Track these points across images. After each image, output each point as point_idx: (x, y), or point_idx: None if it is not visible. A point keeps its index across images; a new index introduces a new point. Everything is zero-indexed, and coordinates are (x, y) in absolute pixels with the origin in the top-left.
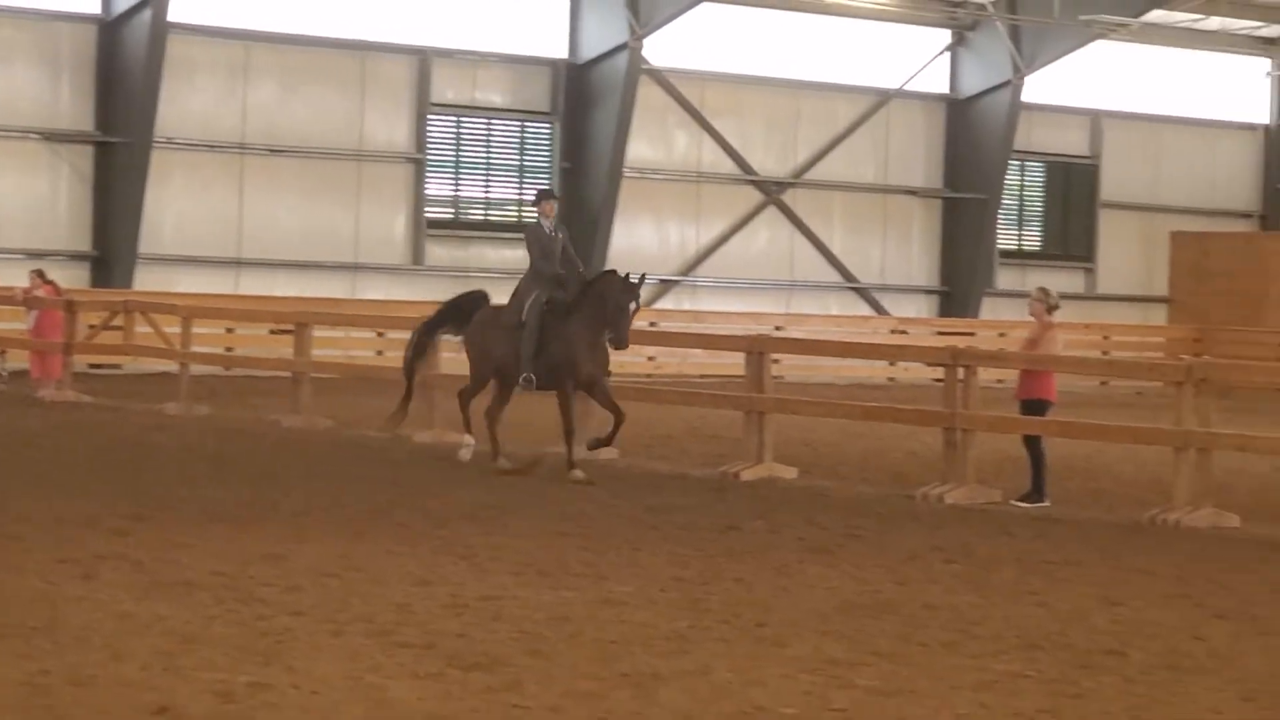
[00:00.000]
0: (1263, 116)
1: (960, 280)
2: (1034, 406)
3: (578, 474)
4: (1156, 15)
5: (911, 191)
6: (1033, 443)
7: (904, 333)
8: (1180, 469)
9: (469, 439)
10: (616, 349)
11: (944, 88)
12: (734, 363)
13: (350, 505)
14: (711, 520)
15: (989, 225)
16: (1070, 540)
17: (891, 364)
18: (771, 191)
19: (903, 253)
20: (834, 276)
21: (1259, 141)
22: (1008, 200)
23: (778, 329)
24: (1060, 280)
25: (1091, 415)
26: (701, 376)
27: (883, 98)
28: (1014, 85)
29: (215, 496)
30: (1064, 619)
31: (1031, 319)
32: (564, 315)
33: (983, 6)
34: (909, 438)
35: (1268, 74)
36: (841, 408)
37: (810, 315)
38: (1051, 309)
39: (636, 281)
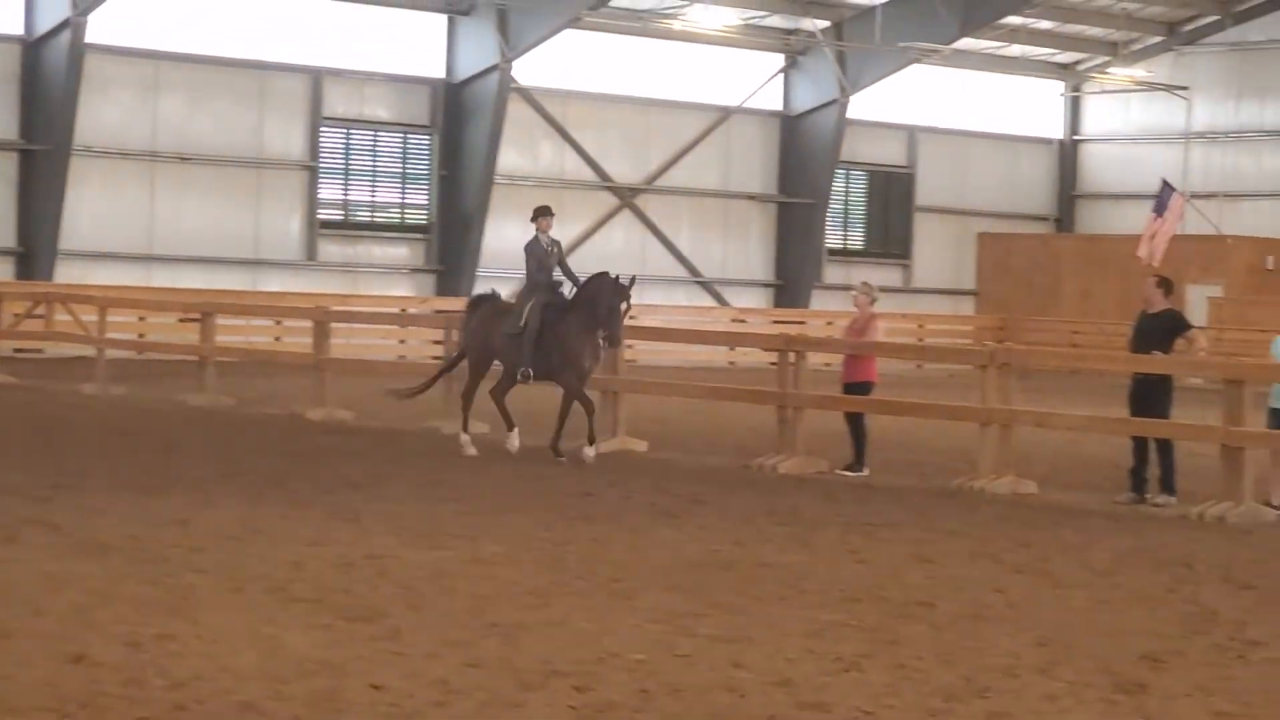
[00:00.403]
0: (1057, 132)
1: (792, 275)
2: (858, 388)
3: (589, 452)
4: (965, 43)
5: (750, 197)
6: (855, 419)
7: (743, 321)
8: (985, 442)
9: (505, 433)
10: (611, 346)
11: (779, 105)
12: None
13: (249, 475)
14: (571, 487)
15: (818, 226)
16: (888, 505)
17: (732, 349)
18: (626, 197)
19: (742, 250)
20: (681, 272)
21: (1054, 154)
22: (835, 204)
23: (631, 318)
24: (881, 275)
25: (908, 394)
26: None
27: (724, 114)
28: (840, 103)
29: (128, 467)
30: (882, 574)
31: (855, 309)
32: (561, 315)
33: (813, 34)
34: (747, 415)
35: (1061, 95)
36: (687, 388)
37: (660, 306)
38: (873, 300)
39: (626, 284)
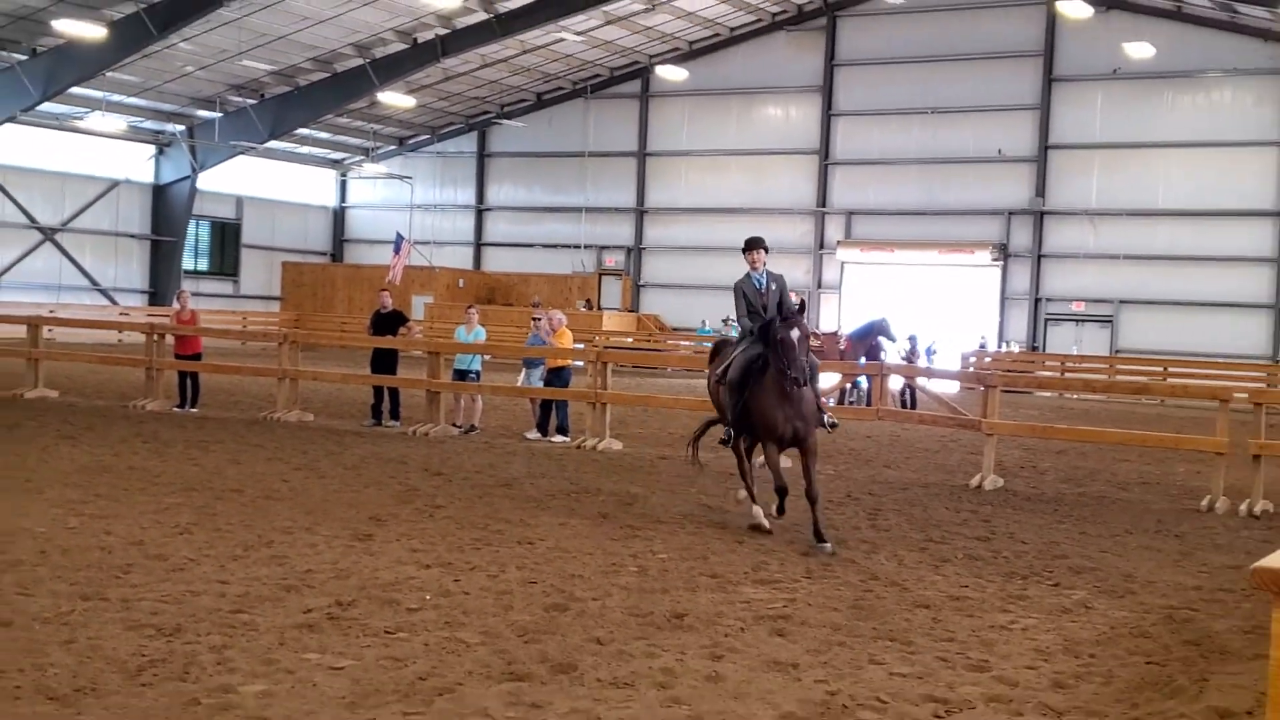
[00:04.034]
0: (332, 202)
1: (161, 285)
2: (191, 357)
3: (827, 547)
4: (274, 144)
5: (133, 235)
6: (194, 377)
7: (127, 315)
8: (281, 389)
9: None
10: (798, 388)
11: (151, 178)
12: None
13: None
14: (5, 421)
15: (178, 255)
16: (218, 430)
17: (120, 332)
18: (48, 234)
19: (128, 269)
20: (86, 283)
21: (330, 215)
22: (189, 243)
23: (51, 312)
24: (218, 287)
25: (236, 360)
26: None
27: (115, 183)
28: (193, 178)
29: None
30: (210, 472)
31: (178, 306)
32: (763, 368)
33: (174, 134)
34: (129, 373)
35: (336, 180)
36: (87, 355)
37: (73, 304)
38: (185, 302)
39: (793, 309)
